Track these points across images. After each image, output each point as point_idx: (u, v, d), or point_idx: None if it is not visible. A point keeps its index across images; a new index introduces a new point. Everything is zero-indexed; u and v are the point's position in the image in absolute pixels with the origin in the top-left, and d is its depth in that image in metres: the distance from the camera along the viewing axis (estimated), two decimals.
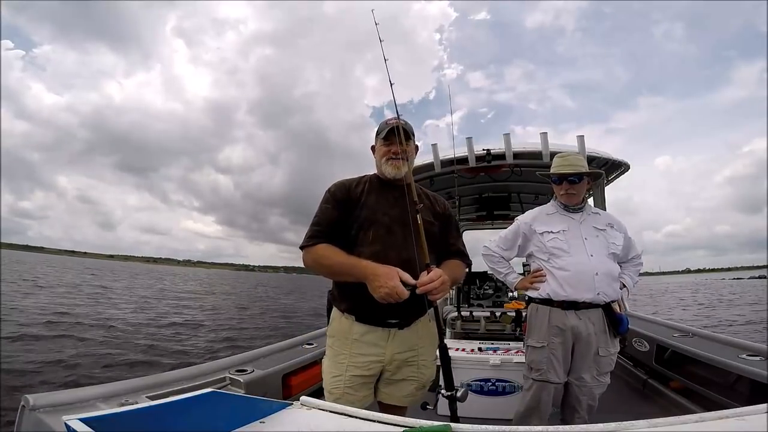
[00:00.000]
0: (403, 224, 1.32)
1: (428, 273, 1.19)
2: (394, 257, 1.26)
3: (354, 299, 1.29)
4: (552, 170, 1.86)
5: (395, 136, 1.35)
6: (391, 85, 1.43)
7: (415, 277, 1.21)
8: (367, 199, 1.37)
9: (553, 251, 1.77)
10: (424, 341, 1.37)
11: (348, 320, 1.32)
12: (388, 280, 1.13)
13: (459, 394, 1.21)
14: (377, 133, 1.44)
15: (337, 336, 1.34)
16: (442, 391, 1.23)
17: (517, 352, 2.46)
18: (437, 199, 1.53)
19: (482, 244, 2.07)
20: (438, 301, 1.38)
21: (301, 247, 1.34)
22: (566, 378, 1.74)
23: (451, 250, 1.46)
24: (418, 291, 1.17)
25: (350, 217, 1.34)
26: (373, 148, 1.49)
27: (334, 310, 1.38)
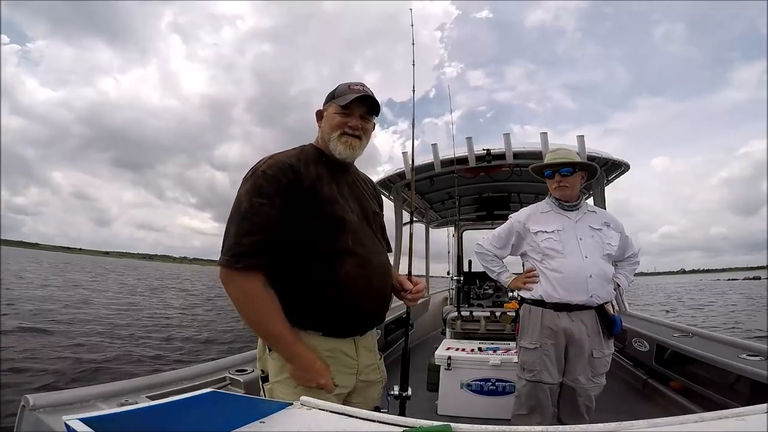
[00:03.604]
0: (365, 220, 1.15)
1: (411, 281, 1.20)
2: (376, 265, 1.12)
3: (322, 313, 1.04)
4: (544, 162, 1.86)
5: (358, 106, 1.10)
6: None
7: (391, 282, 1.20)
8: (329, 188, 1.08)
9: (547, 252, 1.75)
10: (374, 341, 1.25)
11: (313, 338, 1.05)
12: (319, 377, 0.98)
13: (409, 393, 1.22)
14: (332, 96, 1.14)
15: None
16: (393, 392, 1.20)
17: (516, 352, 2.46)
18: (374, 184, 1.34)
19: None
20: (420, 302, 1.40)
21: (222, 266, 0.97)
22: (561, 378, 1.74)
23: (388, 245, 1.30)
24: (409, 296, 1.18)
25: (314, 218, 1.03)
26: (319, 113, 1.18)
27: None
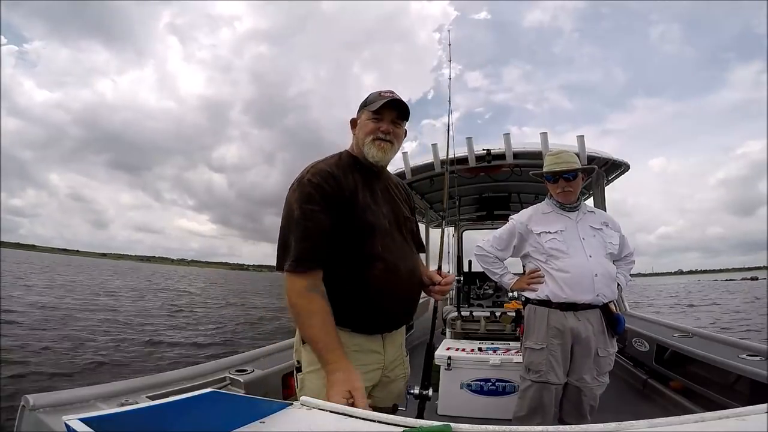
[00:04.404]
0: (397, 226, 1.21)
1: (439, 274, 1.22)
2: (403, 270, 1.16)
3: (351, 312, 1.11)
4: (545, 169, 1.85)
5: (388, 111, 1.14)
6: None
7: (418, 284, 1.23)
8: (364, 195, 1.15)
9: (552, 252, 1.75)
10: (402, 337, 1.31)
11: (343, 333, 1.10)
12: (345, 391, 0.96)
13: (430, 392, 1.22)
14: (365, 104, 1.20)
15: None
16: (414, 390, 1.20)
17: (516, 352, 2.46)
18: (407, 188, 1.40)
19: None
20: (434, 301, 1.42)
21: (289, 272, 1.03)
22: (565, 379, 1.74)
23: (420, 247, 1.36)
24: (435, 288, 1.20)
25: (349, 223, 1.10)
26: (353, 121, 1.23)
27: None
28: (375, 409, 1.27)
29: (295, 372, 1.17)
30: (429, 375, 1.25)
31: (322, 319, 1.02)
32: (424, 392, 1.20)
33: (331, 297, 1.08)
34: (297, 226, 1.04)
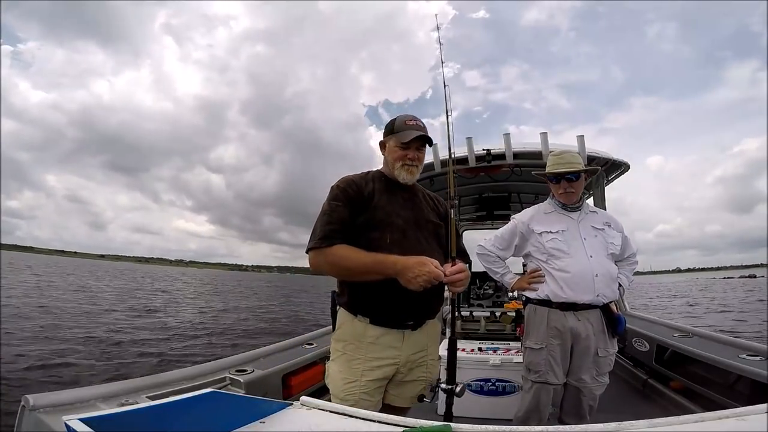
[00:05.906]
0: (416, 226, 1.33)
1: (453, 265, 1.23)
2: None
3: (369, 301, 1.25)
4: (548, 169, 1.84)
5: (416, 142, 1.33)
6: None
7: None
8: (380, 199, 1.32)
9: (553, 252, 1.75)
10: (431, 340, 1.38)
11: (362, 323, 1.26)
12: (422, 266, 1.12)
13: (458, 389, 1.24)
14: (393, 130, 1.37)
15: (349, 340, 1.27)
16: (442, 385, 1.25)
17: (517, 352, 2.46)
18: (439, 200, 1.52)
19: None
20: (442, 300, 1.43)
21: (311, 249, 1.25)
22: (565, 379, 1.73)
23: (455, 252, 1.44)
24: (445, 279, 1.19)
25: (361, 217, 1.28)
26: (382, 144, 1.43)
27: (343, 313, 1.31)
28: (389, 407, 1.29)
29: (326, 362, 1.37)
30: (454, 369, 1.27)
31: (354, 251, 1.20)
32: (448, 387, 1.23)
33: (349, 286, 1.28)
34: (323, 215, 1.28)
